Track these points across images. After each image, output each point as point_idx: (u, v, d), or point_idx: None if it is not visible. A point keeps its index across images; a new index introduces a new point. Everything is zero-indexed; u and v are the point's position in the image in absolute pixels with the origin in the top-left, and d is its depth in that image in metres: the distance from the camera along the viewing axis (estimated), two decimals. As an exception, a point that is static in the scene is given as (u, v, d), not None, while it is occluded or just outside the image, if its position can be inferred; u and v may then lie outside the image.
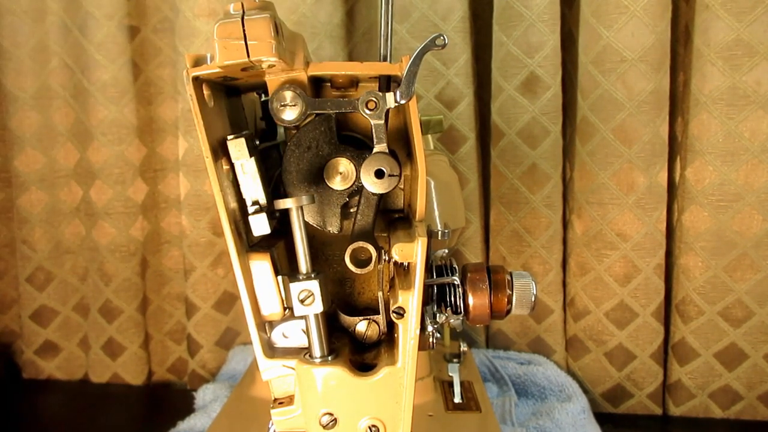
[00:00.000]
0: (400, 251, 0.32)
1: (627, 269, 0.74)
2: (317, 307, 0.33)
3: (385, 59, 0.36)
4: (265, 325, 0.36)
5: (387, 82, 0.34)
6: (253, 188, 0.34)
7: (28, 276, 0.87)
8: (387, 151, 0.34)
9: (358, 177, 0.35)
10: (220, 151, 0.34)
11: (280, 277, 0.34)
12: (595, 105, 0.71)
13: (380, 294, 0.37)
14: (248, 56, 0.31)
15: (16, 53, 0.82)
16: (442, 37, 0.32)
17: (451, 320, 0.39)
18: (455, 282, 0.39)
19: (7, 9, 0.81)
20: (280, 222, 0.36)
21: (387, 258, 0.34)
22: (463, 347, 0.68)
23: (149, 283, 0.88)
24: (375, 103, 0.33)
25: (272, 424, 0.35)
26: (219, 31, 0.31)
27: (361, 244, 0.34)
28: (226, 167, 0.34)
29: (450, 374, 0.60)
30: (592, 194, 0.74)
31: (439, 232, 0.44)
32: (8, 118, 0.83)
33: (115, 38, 0.79)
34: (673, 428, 0.75)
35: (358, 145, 0.36)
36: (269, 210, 0.34)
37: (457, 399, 0.58)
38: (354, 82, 0.37)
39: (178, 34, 0.77)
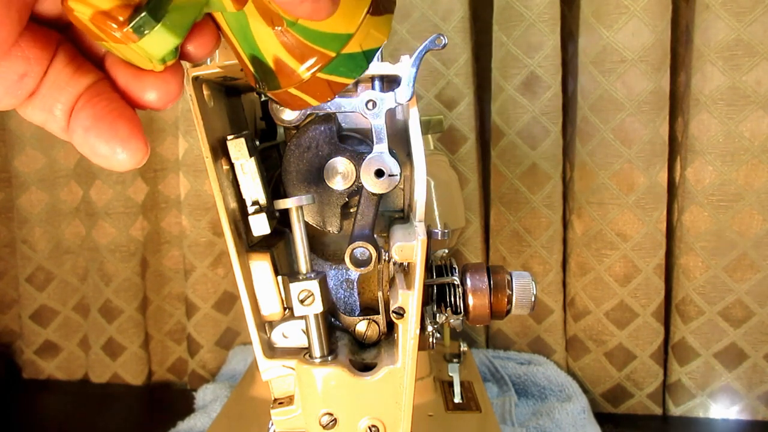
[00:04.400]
0: (400, 251, 0.32)
1: (627, 269, 0.74)
2: (317, 307, 0.33)
3: (384, 59, 0.36)
4: (265, 325, 0.36)
5: (387, 83, 0.34)
6: (253, 188, 0.34)
7: (28, 276, 0.87)
8: (387, 151, 0.34)
9: (358, 177, 0.35)
10: (220, 151, 0.34)
11: (280, 277, 0.34)
12: (595, 105, 0.71)
13: (380, 294, 0.37)
14: None
15: (16, 53, 0.82)
16: (441, 37, 0.32)
17: (451, 320, 0.39)
18: (455, 282, 0.39)
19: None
20: (280, 222, 0.36)
21: (387, 258, 0.34)
22: (463, 347, 0.68)
23: (149, 283, 0.88)
24: (375, 103, 0.33)
25: (272, 424, 0.35)
26: (219, 31, 0.30)
27: (361, 244, 0.34)
28: (226, 167, 0.34)
29: (450, 374, 0.60)
30: (592, 194, 0.74)
31: (439, 232, 0.44)
32: (8, 118, 0.83)
33: (115, 38, 0.79)
34: (673, 428, 0.75)
35: (358, 145, 0.36)
36: (269, 210, 0.34)
37: (457, 399, 0.58)
38: (354, 82, 0.37)
39: (178, 34, 0.77)
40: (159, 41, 0.20)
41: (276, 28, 0.21)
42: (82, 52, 0.22)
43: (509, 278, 0.39)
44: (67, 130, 0.21)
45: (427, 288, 0.39)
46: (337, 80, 0.23)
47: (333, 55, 0.22)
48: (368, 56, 0.23)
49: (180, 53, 0.21)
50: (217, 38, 0.22)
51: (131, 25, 0.19)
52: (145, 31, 0.19)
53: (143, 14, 0.19)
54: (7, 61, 0.19)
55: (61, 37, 0.21)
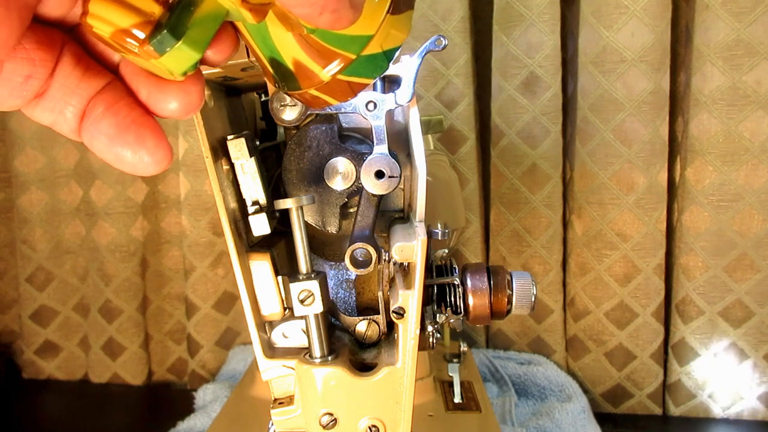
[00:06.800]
0: (400, 251, 0.32)
1: (627, 269, 0.74)
2: (317, 307, 0.33)
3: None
4: (265, 325, 0.36)
5: (387, 83, 0.34)
6: (253, 188, 0.34)
7: (28, 276, 0.87)
8: (387, 152, 0.34)
9: (358, 177, 0.35)
10: (220, 151, 0.34)
11: (280, 277, 0.34)
12: (595, 105, 0.71)
13: (380, 294, 0.37)
14: (248, 56, 0.31)
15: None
16: (442, 39, 0.32)
17: (451, 320, 0.39)
18: (455, 282, 0.39)
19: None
20: (280, 222, 0.36)
21: (387, 258, 0.34)
22: (463, 347, 0.68)
23: (149, 283, 0.88)
24: (375, 104, 0.33)
25: (272, 424, 0.35)
26: (219, 31, 0.30)
27: (360, 245, 0.34)
28: (226, 167, 0.34)
29: (450, 374, 0.60)
30: (592, 194, 0.74)
31: (439, 232, 0.44)
32: (8, 118, 0.83)
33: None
34: (673, 428, 0.75)
35: (358, 145, 0.36)
36: (269, 210, 0.34)
37: (457, 399, 0.58)
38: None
39: (178, 34, 0.77)
40: (180, 57, 0.20)
41: (296, 33, 0.21)
42: (89, 53, 0.21)
43: (509, 278, 0.39)
44: (78, 132, 0.21)
45: (427, 288, 0.39)
46: (357, 81, 0.23)
47: (353, 57, 0.22)
48: (389, 56, 0.23)
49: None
50: (236, 42, 0.22)
51: (151, 42, 0.19)
52: (166, 49, 0.19)
53: (164, 32, 0.19)
54: (10, 63, 0.19)
55: (66, 37, 0.21)
